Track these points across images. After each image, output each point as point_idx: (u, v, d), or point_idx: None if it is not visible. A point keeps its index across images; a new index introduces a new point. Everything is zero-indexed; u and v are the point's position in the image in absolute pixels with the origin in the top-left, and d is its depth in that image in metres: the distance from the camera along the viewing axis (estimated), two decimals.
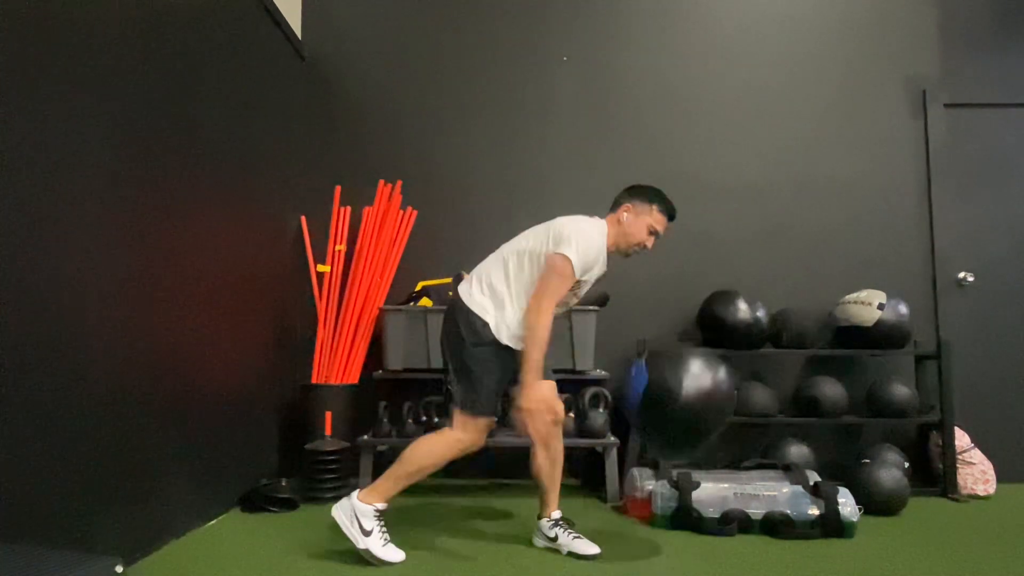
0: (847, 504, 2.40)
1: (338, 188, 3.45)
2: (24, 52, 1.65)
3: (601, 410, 3.10)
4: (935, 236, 3.52)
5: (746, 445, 3.31)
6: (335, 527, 2.10)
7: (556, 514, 2.26)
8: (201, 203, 2.51)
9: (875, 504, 2.64)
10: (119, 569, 1.20)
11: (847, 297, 3.26)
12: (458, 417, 2.11)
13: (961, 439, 3.17)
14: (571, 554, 2.19)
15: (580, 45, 3.62)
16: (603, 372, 3.20)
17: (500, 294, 2.12)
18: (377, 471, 2.19)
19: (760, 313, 3.18)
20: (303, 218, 3.44)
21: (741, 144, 3.58)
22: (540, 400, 2.04)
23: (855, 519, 2.38)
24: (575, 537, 2.21)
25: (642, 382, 2.21)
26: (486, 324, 2.09)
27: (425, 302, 3.16)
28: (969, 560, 2.16)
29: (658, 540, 2.36)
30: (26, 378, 1.63)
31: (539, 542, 2.29)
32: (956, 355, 3.28)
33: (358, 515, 2.07)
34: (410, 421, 3.08)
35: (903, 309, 3.13)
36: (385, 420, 3.09)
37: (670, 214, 2.28)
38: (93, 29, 1.90)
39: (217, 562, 2.11)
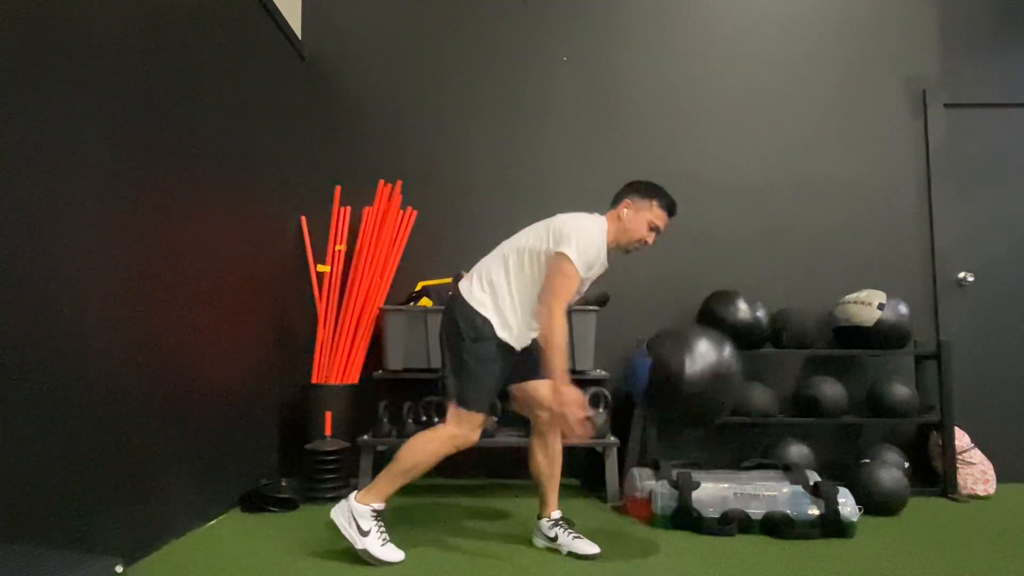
0: (847, 504, 2.40)
1: (338, 188, 3.45)
2: (24, 52, 1.65)
3: (601, 410, 3.09)
4: (935, 236, 3.52)
5: (746, 445, 3.31)
6: (335, 527, 2.10)
7: (556, 514, 2.27)
8: (201, 203, 2.51)
9: (875, 504, 2.65)
10: (119, 569, 1.20)
11: (847, 297, 3.26)
12: (452, 411, 2.10)
13: (961, 439, 3.17)
14: (571, 554, 2.19)
15: (580, 45, 3.62)
16: (603, 372, 3.20)
17: (500, 291, 2.12)
18: (377, 471, 2.19)
19: (760, 313, 3.18)
20: (303, 218, 3.44)
21: (741, 144, 3.58)
22: (573, 400, 1.99)
23: (855, 519, 2.39)
24: (575, 537, 2.21)
25: (646, 364, 2.19)
26: (486, 320, 2.09)
27: (425, 302, 3.16)
28: (969, 560, 2.16)
29: (658, 540, 2.36)
30: (26, 378, 1.63)
31: (539, 542, 2.29)
32: (956, 355, 3.28)
33: (355, 516, 2.08)
34: (410, 421, 3.08)
35: (903, 309, 3.13)
36: (385, 420, 3.09)
37: (670, 210, 2.27)
38: (93, 29, 1.90)
39: (217, 562, 2.11)
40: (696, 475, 2.56)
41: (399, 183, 3.41)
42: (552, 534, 2.23)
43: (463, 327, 2.10)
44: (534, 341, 2.22)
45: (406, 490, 2.14)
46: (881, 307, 3.11)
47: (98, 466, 1.90)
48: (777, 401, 3.22)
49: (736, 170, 3.56)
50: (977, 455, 3.15)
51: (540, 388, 2.22)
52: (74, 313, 1.80)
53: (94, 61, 1.90)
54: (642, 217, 2.22)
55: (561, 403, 1.99)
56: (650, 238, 2.25)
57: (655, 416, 2.54)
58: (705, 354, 2.10)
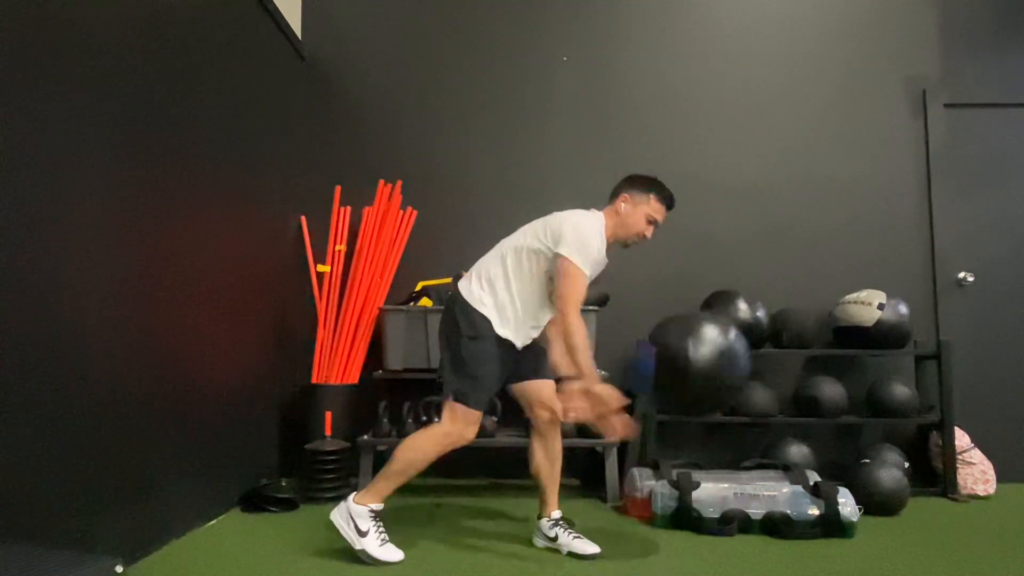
0: (847, 504, 2.40)
1: (338, 188, 3.45)
2: (24, 52, 1.65)
3: None
4: (935, 236, 3.52)
5: (746, 445, 3.31)
6: (335, 529, 2.10)
7: (556, 514, 2.27)
8: (201, 203, 2.51)
9: (875, 504, 2.65)
10: (119, 569, 1.20)
11: (847, 297, 3.26)
12: (448, 408, 2.10)
13: (961, 439, 3.17)
14: (571, 554, 2.19)
15: (580, 45, 3.62)
16: (603, 372, 3.20)
17: (499, 289, 2.12)
18: (377, 471, 2.19)
19: (760, 313, 3.18)
20: (303, 218, 3.44)
21: (741, 144, 3.58)
22: (611, 398, 1.98)
23: (855, 519, 2.39)
24: (575, 537, 2.21)
25: (651, 352, 2.18)
26: (485, 318, 2.09)
27: (425, 302, 3.16)
28: (969, 560, 2.16)
29: (658, 540, 2.36)
30: (26, 378, 1.63)
31: (539, 542, 2.29)
32: (956, 355, 3.28)
33: (353, 517, 2.08)
34: (410, 421, 3.08)
35: (903, 309, 3.13)
36: (385, 420, 3.09)
37: (668, 203, 2.26)
38: (93, 29, 1.90)
39: (217, 562, 2.11)
40: (696, 475, 2.56)
41: (399, 183, 3.41)
42: (552, 534, 2.23)
43: (462, 325, 2.10)
44: (535, 340, 2.22)
45: (406, 490, 2.15)
46: (881, 307, 3.11)
47: (98, 466, 1.90)
48: (777, 401, 3.22)
49: (736, 170, 3.56)
50: (977, 455, 3.15)
51: (542, 388, 2.22)
52: (74, 313, 1.80)
53: (94, 61, 1.90)
54: (640, 211, 2.22)
55: (598, 404, 1.97)
56: (648, 231, 2.25)
57: (664, 402, 2.52)
58: (711, 335, 2.11)
